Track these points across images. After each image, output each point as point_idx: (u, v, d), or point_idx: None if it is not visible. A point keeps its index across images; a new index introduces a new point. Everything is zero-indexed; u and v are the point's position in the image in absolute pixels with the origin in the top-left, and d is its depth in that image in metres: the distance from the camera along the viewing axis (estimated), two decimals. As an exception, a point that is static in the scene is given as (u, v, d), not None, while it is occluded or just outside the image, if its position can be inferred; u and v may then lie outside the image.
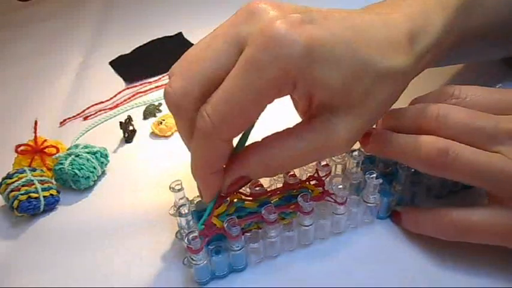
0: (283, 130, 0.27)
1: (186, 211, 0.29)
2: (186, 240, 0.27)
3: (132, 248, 0.33)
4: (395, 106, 0.29)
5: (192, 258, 0.28)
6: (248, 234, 0.30)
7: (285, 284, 0.29)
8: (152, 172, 0.40)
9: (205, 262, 0.28)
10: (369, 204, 0.31)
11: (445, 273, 0.28)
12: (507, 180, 0.26)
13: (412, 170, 0.31)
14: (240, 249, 0.29)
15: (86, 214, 0.37)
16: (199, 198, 0.31)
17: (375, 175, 0.30)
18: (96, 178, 0.39)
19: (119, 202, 0.37)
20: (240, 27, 0.25)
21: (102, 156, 0.40)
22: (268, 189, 0.31)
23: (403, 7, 0.29)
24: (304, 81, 0.24)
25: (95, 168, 0.39)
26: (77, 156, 0.39)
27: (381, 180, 0.30)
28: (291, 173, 0.32)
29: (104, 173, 0.41)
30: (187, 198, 0.31)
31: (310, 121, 0.27)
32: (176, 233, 0.31)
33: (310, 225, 0.30)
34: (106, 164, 0.41)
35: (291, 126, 0.27)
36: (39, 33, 0.69)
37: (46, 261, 0.33)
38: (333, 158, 0.33)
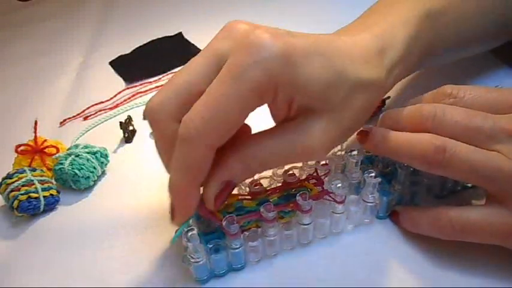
0: (261, 131, 0.28)
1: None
2: (185, 239, 0.28)
3: (131, 248, 0.33)
4: (394, 107, 0.29)
5: (191, 256, 0.28)
6: (247, 232, 0.30)
7: (283, 284, 0.29)
8: (152, 172, 0.40)
9: (204, 260, 0.28)
10: (368, 204, 0.31)
11: (444, 273, 0.29)
12: (505, 179, 0.26)
13: (412, 169, 0.31)
14: (239, 247, 0.29)
15: (86, 214, 0.37)
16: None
17: (373, 174, 0.30)
18: (96, 178, 0.39)
19: (119, 202, 0.37)
20: (219, 44, 0.26)
21: (102, 156, 0.40)
22: (268, 188, 0.32)
23: (370, 27, 0.31)
24: (285, 85, 0.25)
25: (95, 168, 0.39)
26: (77, 156, 0.39)
27: (379, 179, 0.30)
28: (290, 172, 0.32)
29: (104, 173, 0.41)
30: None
31: (289, 123, 0.27)
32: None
33: (309, 223, 0.30)
34: (106, 164, 0.41)
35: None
36: (39, 33, 0.69)
37: (46, 261, 0.33)
38: (333, 157, 0.34)
